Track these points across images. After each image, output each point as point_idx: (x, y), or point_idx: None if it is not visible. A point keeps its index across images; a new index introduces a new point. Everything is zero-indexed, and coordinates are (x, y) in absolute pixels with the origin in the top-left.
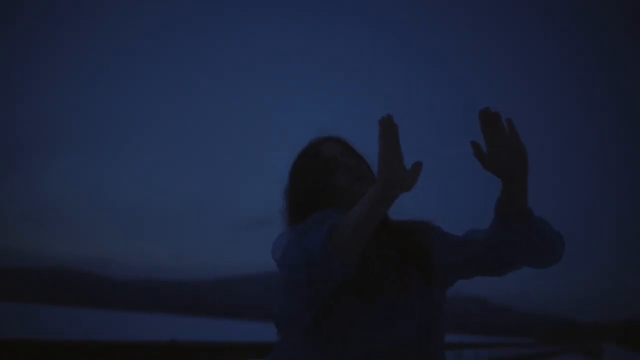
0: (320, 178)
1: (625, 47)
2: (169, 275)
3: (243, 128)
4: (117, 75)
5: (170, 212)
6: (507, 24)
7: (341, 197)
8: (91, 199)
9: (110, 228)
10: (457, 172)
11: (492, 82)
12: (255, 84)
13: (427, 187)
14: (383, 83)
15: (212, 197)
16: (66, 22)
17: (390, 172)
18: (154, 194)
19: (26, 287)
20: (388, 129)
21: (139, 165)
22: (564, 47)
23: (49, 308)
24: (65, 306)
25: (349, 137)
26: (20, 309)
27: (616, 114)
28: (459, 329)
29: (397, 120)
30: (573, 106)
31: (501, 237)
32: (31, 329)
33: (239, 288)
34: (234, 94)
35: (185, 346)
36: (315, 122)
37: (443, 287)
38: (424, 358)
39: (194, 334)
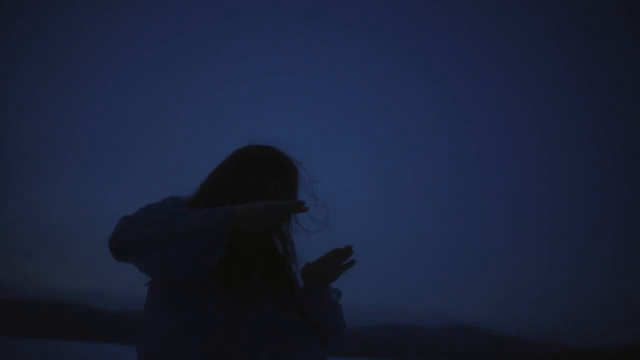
0: (258, 188)
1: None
2: None
3: (233, 141)
4: (105, 100)
5: None
6: (507, 28)
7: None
8: (83, 231)
9: (103, 260)
10: (455, 175)
11: (489, 82)
12: (247, 94)
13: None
14: (370, 89)
15: None
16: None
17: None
18: None
19: (18, 320)
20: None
21: (131, 195)
22: (565, 47)
23: (42, 341)
24: (59, 339)
25: (337, 142)
26: (13, 342)
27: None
28: (451, 358)
29: (389, 128)
30: (571, 106)
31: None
32: None
33: None
34: (225, 104)
35: None
36: (310, 131)
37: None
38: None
39: None
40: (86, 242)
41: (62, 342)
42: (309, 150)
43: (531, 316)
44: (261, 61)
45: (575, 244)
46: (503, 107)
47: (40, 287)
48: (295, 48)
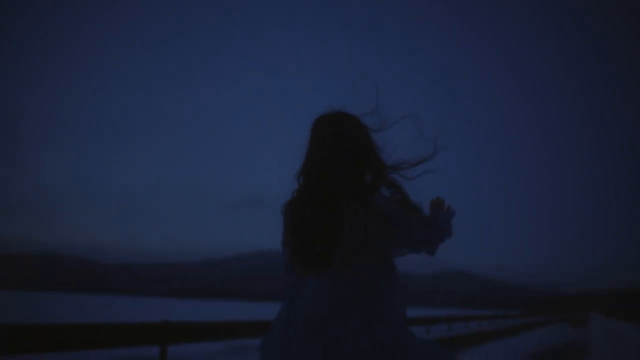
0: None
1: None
2: (159, 259)
3: (231, 110)
4: (105, 64)
5: (159, 195)
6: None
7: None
8: (78, 184)
9: (99, 213)
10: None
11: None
12: (244, 70)
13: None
14: (384, 77)
15: (200, 178)
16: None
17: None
18: (141, 177)
19: (17, 274)
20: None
21: (125, 149)
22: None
23: (40, 294)
24: (57, 292)
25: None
26: (11, 295)
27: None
28: (447, 304)
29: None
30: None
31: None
32: (24, 315)
33: (227, 269)
34: (222, 77)
35: (177, 326)
36: (305, 106)
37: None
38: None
39: (185, 315)
40: (79, 197)
41: (61, 295)
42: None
43: (525, 262)
44: (261, 61)
45: (569, 194)
46: (503, 107)
47: (35, 241)
48: (295, 48)
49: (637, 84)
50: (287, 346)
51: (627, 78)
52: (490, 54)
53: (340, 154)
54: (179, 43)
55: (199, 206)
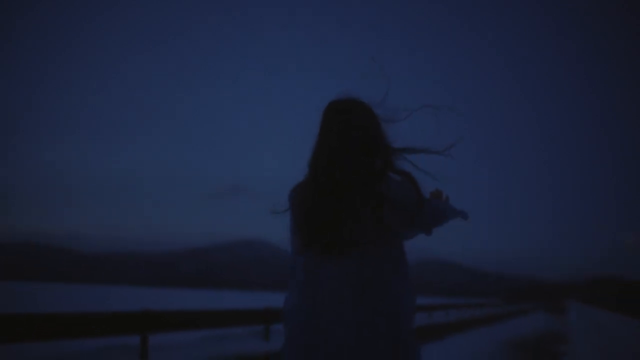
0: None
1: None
2: (139, 247)
3: (231, 110)
4: (105, 64)
5: (139, 183)
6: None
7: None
8: (57, 173)
9: (79, 201)
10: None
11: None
12: (244, 70)
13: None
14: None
15: (181, 166)
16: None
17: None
18: (122, 165)
19: None
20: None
21: (105, 136)
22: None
23: (21, 283)
24: (37, 281)
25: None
26: None
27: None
28: (428, 292)
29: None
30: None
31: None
32: (3, 304)
33: (209, 258)
34: (222, 77)
35: (158, 315)
36: (305, 106)
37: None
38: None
39: (166, 304)
40: (61, 187)
41: (41, 284)
42: None
43: (505, 251)
44: (261, 61)
45: (550, 186)
46: (503, 106)
47: (16, 230)
48: (295, 48)
49: (637, 84)
50: (297, 338)
51: (627, 78)
52: (490, 54)
53: (349, 142)
54: (179, 43)
55: (179, 194)
